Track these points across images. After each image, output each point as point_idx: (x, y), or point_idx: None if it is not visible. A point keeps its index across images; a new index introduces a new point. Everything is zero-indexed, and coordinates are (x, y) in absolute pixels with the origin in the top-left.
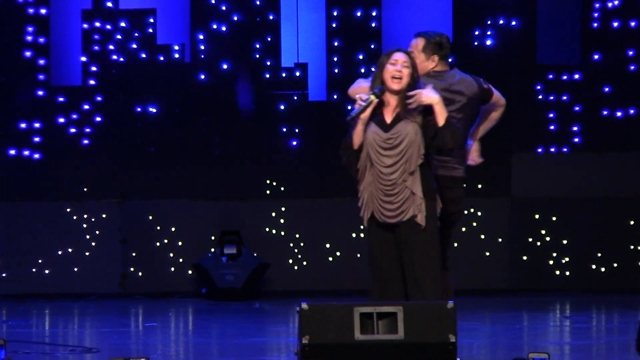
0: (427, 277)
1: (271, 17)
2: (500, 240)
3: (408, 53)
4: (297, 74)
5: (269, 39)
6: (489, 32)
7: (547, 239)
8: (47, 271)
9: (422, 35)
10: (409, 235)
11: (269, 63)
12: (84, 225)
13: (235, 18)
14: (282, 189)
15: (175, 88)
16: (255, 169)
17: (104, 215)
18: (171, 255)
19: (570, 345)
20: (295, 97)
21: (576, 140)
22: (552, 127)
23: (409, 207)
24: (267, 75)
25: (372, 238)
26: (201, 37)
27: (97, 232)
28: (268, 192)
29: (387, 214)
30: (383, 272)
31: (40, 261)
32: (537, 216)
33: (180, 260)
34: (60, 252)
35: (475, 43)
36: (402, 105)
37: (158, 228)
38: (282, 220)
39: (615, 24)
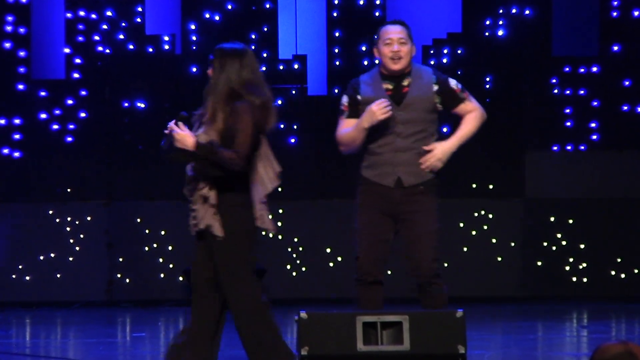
0: (227, 293)
1: (268, 6)
2: (513, 244)
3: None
4: (296, 66)
5: (266, 29)
6: (501, 22)
7: (563, 243)
8: (28, 278)
9: (399, 22)
10: (211, 247)
11: (265, 55)
12: (68, 229)
13: (229, 7)
14: (280, 189)
15: (165, 81)
16: None
17: (89, 218)
18: (161, 260)
19: (587, 357)
20: (294, 92)
21: (594, 137)
22: (568, 124)
23: (204, 216)
24: (264, 68)
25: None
26: (193, 27)
27: (82, 236)
28: None
29: (190, 223)
30: (198, 287)
31: (20, 267)
32: (552, 219)
33: (171, 265)
34: (42, 257)
35: (486, 33)
36: None
37: (147, 231)
38: (279, 223)
39: (636, 13)
